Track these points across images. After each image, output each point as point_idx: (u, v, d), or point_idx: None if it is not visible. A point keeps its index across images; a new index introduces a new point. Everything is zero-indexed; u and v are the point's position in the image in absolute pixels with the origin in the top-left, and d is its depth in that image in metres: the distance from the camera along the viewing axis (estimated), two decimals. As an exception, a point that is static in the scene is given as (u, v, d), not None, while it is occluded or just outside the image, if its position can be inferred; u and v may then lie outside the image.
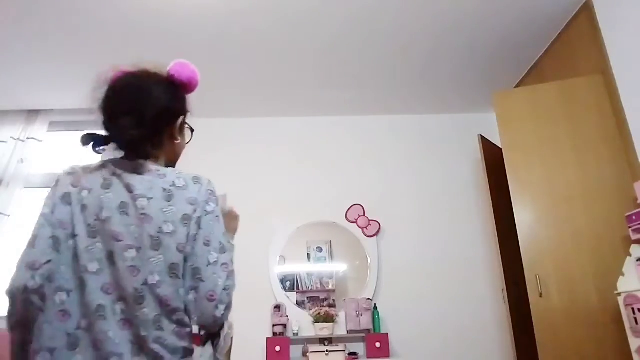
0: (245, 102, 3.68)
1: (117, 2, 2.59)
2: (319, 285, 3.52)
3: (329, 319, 3.22)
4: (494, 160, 2.96)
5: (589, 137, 2.49)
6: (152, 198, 1.03)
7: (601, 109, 2.51)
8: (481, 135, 3.14)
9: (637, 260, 2.00)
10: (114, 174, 1.07)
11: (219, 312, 1.00)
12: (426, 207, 3.66)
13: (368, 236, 3.56)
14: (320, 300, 3.46)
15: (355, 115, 3.92)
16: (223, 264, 1.03)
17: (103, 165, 1.10)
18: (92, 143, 1.14)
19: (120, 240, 0.99)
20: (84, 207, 1.02)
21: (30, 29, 2.77)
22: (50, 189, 1.08)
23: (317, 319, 3.22)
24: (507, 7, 2.72)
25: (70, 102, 3.66)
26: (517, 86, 3.52)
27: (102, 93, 1.14)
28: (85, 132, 1.15)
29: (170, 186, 1.06)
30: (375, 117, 3.93)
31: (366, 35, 2.96)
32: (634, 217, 2.10)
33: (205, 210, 1.07)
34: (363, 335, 3.22)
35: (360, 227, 3.57)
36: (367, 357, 3.13)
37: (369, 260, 3.51)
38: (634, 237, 2.10)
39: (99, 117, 1.14)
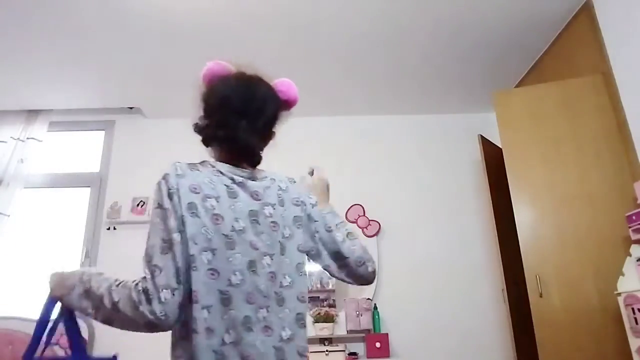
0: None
1: (118, 3, 2.59)
2: (319, 285, 3.52)
3: (329, 319, 3.22)
4: (494, 160, 2.96)
5: (589, 137, 2.49)
6: (274, 204, 1.08)
7: (601, 109, 2.51)
8: (481, 135, 3.14)
9: (637, 260, 2.00)
10: (233, 181, 1.04)
11: (372, 268, 1.19)
12: (426, 207, 3.66)
13: (368, 236, 3.56)
14: (320, 300, 3.46)
15: (355, 115, 3.92)
16: (348, 234, 1.19)
17: (218, 170, 1.04)
18: (202, 136, 1.11)
19: (257, 249, 1.01)
20: (216, 218, 0.97)
21: (31, 29, 2.77)
22: (161, 192, 0.97)
23: (317, 319, 3.22)
24: (507, 7, 2.72)
25: (70, 102, 3.66)
26: (517, 86, 3.52)
27: (214, 88, 1.12)
28: (200, 123, 1.10)
29: (279, 190, 1.12)
30: (375, 117, 3.93)
31: (365, 37, 2.95)
32: (634, 217, 2.10)
33: (311, 204, 1.17)
34: (363, 335, 3.22)
35: (360, 227, 3.57)
36: (367, 357, 3.13)
37: (369, 260, 3.50)
38: (634, 237, 2.10)
39: (207, 112, 1.11)
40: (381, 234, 3.57)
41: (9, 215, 3.38)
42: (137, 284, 0.91)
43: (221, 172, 1.04)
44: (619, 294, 2.01)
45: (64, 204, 3.76)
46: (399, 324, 3.33)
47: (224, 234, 0.97)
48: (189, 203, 0.96)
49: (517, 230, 2.45)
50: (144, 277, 0.92)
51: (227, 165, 1.07)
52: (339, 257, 1.16)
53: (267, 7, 2.66)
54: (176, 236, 0.93)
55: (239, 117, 1.08)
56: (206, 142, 1.11)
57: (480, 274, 3.47)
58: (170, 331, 0.96)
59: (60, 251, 3.59)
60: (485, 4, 2.69)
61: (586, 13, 2.65)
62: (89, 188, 3.75)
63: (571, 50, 2.84)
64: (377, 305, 3.33)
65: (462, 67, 3.33)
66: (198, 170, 1.02)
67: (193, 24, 2.79)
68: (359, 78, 3.43)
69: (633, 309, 1.93)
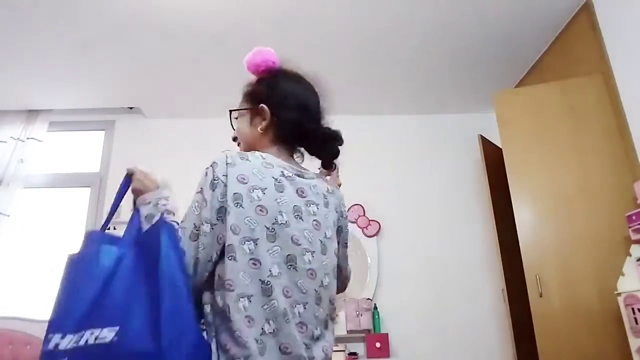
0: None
1: (119, 3, 2.59)
2: (319, 285, 3.52)
3: (329, 319, 3.22)
4: (494, 160, 2.96)
5: (589, 137, 2.49)
6: (319, 204, 1.08)
7: (601, 109, 2.51)
8: (481, 135, 3.14)
9: (637, 260, 2.00)
10: (282, 175, 1.04)
11: (345, 287, 1.30)
12: (426, 207, 3.66)
13: (368, 236, 3.56)
14: (320, 300, 3.46)
15: (355, 115, 3.92)
16: (347, 255, 1.27)
17: (268, 162, 1.04)
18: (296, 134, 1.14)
19: (299, 244, 1.00)
20: (261, 209, 0.97)
21: (30, 29, 2.77)
22: (206, 179, 0.98)
23: (317, 319, 3.22)
24: (507, 7, 2.72)
25: (70, 102, 3.66)
26: (517, 86, 3.52)
27: (291, 90, 1.18)
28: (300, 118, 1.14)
29: (326, 192, 1.13)
30: (375, 117, 3.93)
31: (365, 36, 2.96)
32: (634, 217, 2.10)
33: (346, 216, 1.21)
34: (363, 335, 3.22)
35: (360, 227, 3.57)
36: (367, 357, 3.13)
37: (369, 260, 3.51)
38: (634, 237, 2.10)
39: (285, 111, 1.13)
40: (381, 234, 3.57)
41: (9, 215, 3.38)
42: None
43: (271, 165, 1.04)
44: (619, 294, 2.01)
45: (64, 204, 3.76)
46: (399, 324, 3.33)
47: (266, 226, 0.97)
48: (234, 193, 0.96)
49: (517, 230, 2.45)
50: None
51: (278, 158, 1.07)
52: (337, 270, 1.19)
53: (267, 6, 2.66)
54: (206, 227, 0.95)
55: (321, 121, 1.18)
56: (290, 139, 1.13)
57: (480, 274, 3.47)
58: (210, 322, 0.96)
59: (60, 251, 3.59)
60: (485, 4, 2.69)
61: (586, 13, 2.65)
62: (89, 188, 3.75)
63: (571, 50, 2.84)
64: (377, 305, 3.33)
65: (462, 67, 3.33)
66: (248, 160, 1.02)
67: (194, 24, 2.79)
68: (359, 78, 3.43)
69: (633, 309, 1.93)
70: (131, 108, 3.78)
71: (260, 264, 0.94)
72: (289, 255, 0.98)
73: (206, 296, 0.96)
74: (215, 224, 0.95)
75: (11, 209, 3.40)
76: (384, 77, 3.43)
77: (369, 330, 3.22)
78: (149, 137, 3.85)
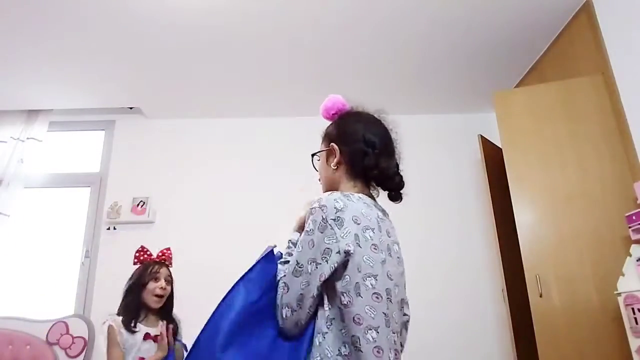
0: (245, 102, 3.68)
1: (119, 2, 2.59)
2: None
3: (329, 319, 3.21)
4: (494, 160, 2.96)
5: (589, 137, 2.49)
6: (398, 243, 1.21)
7: (601, 109, 2.50)
8: (481, 135, 3.14)
9: (637, 260, 2.00)
10: (378, 217, 1.14)
11: None
12: (426, 207, 3.65)
13: (368, 236, 3.55)
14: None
15: (355, 115, 3.92)
16: None
17: (366, 203, 1.13)
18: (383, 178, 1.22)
19: (392, 280, 1.09)
20: (374, 247, 1.06)
21: (31, 29, 2.77)
22: (316, 221, 1.04)
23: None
24: (507, 7, 2.72)
25: (70, 102, 3.66)
26: (517, 86, 3.52)
27: (370, 128, 1.27)
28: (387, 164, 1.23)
29: (394, 230, 1.22)
30: (375, 117, 3.93)
31: (366, 36, 2.96)
32: (634, 217, 2.10)
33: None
34: (363, 335, 3.22)
35: (360, 227, 3.56)
36: (367, 357, 3.12)
37: (369, 260, 3.50)
38: (634, 237, 2.10)
39: (366, 150, 1.21)
40: (381, 234, 3.56)
41: (9, 215, 3.38)
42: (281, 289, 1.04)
43: (369, 205, 1.13)
44: (619, 294, 2.01)
45: (64, 204, 3.76)
46: (399, 324, 3.33)
47: (379, 262, 1.05)
48: (355, 234, 1.03)
49: (517, 230, 2.44)
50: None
51: (369, 198, 1.17)
52: None
53: (268, 5, 2.66)
54: (310, 267, 1.00)
55: (393, 159, 1.27)
56: (360, 172, 1.20)
57: (480, 274, 3.47)
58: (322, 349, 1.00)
59: (60, 251, 3.59)
60: (485, 4, 2.69)
61: (586, 13, 2.65)
62: (89, 188, 3.75)
63: (571, 50, 2.84)
64: (377, 305, 3.32)
65: (462, 67, 3.33)
66: (352, 201, 1.08)
67: (194, 24, 2.78)
68: (359, 78, 3.43)
69: (633, 309, 1.93)
70: (131, 108, 3.78)
71: (381, 298, 1.02)
72: (387, 288, 1.06)
73: (323, 325, 1.01)
74: (319, 264, 0.99)
75: (11, 209, 3.40)
76: (383, 76, 3.42)
77: (369, 330, 3.21)
78: (149, 137, 3.85)
